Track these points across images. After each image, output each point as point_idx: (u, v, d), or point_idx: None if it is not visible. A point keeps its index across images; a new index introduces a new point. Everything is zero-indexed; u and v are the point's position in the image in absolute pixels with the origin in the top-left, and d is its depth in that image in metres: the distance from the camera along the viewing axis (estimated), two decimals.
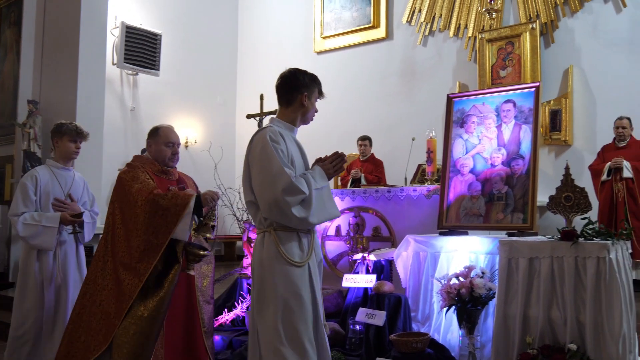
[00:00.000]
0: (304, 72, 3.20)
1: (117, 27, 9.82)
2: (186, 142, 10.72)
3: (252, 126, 6.54)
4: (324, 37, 10.65)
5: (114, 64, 9.81)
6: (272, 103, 6.93)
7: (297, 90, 3.13)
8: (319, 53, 10.75)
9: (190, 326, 3.82)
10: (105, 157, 8.54)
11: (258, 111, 6.62)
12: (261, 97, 6.48)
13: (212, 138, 10.10)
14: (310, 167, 3.18)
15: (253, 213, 3.06)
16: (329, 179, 3.12)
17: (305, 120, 3.23)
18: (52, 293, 4.20)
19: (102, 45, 8.66)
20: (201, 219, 3.70)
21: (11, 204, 4.30)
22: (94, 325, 3.46)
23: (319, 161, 3.16)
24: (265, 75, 11.30)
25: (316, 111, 3.24)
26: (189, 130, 10.86)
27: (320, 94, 3.24)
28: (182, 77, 10.88)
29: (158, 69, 10.29)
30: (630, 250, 3.87)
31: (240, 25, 12.10)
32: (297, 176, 2.92)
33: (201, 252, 3.57)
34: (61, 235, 4.24)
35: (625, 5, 7.70)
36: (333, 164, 3.13)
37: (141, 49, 10.02)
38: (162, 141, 3.88)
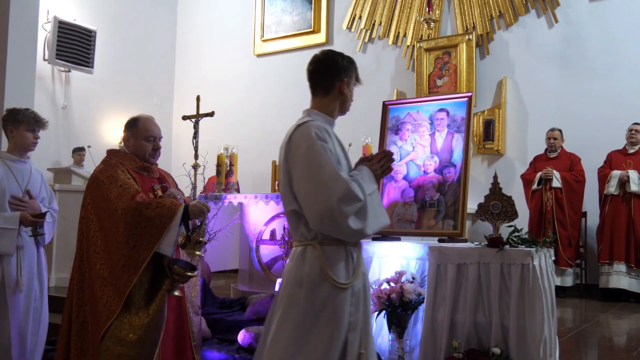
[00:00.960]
0: (342, 55, 2.72)
1: (49, 22, 9.48)
2: (121, 143, 10.43)
3: (190, 128, 6.44)
4: (264, 40, 10.61)
5: (45, 60, 9.46)
6: (209, 105, 6.88)
7: (337, 76, 2.66)
8: (258, 56, 10.71)
9: (181, 341, 3.46)
10: (34, 156, 8.18)
11: (195, 113, 6.51)
12: (197, 98, 6.37)
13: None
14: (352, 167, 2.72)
15: (294, 223, 2.55)
16: (377, 181, 2.65)
17: (343, 110, 2.77)
18: (20, 305, 3.69)
19: (32, 40, 8.28)
20: (188, 233, 3.30)
21: None
22: (86, 344, 3.14)
23: (364, 160, 2.70)
24: (204, 76, 11.24)
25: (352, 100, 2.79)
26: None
27: (357, 80, 2.77)
28: (118, 75, 10.61)
29: (92, 67, 9.99)
30: (554, 258, 4.01)
31: (179, 25, 11.92)
32: (349, 180, 2.45)
33: (187, 273, 3.17)
34: (21, 237, 3.75)
35: (557, 21, 8.01)
36: (380, 164, 2.66)
37: (74, 46, 9.70)
38: (142, 135, 3.43)
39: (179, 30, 11.91)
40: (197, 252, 3.33)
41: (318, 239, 2.47)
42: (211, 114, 6.17)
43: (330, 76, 2.66)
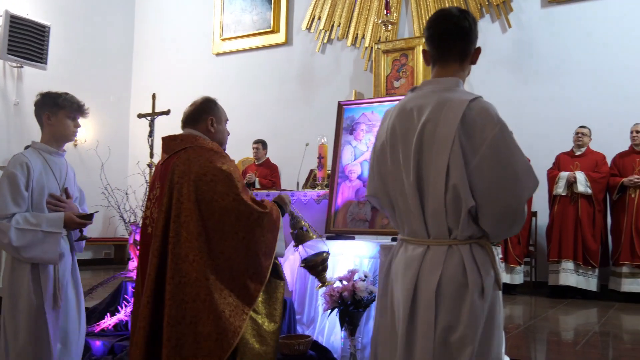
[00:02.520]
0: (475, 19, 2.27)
1: (1, 16, 9.24)
2: (75, 141, 10.25)
3: (146, 126, 6.38)
4: (223, 39, 10.58)
5: None
6: (166, 103, 6.83)
7: (475, 42, 2.24)
8: (217, 55, 10.68)
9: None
10: None
11: (151, 111, 6.47)
12: (153, 96, 6.34)
13: (103, 137, 9.73)
14: None
15: (451, 214, 2.04)
16: None
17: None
18: (58, 321, 3.18)
19: None
20: (296, 226, 3.19)
21: None
22: None
23: None
24: (161, 74, 11.12)
25: None
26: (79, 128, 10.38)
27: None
28: (73, 72, 10.39)
29: (46, 63, 9.77)
30: (501, 256, 4.12)
31: (136, 22, 11.78)
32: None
33: (325, 257, 3.19)
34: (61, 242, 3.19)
35: (510, 26, 8.23)
36: None
37: (27, 41, 9.46)
38: (224, 117, 3.08)
39: (136, 27, 11.77)
40: (313, 236, 3.25)
41: (486, 236, 2.10)
42: (167, 112, 6.14)
43: (471, 40, 2.22)
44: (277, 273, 2.97)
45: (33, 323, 3.07)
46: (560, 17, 7.99)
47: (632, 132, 7.02)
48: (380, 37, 9.02)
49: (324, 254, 3.25)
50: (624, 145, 7.16)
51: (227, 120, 3.11)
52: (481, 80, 8.34)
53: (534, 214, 7.60)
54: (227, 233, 2.73)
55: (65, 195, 3.29)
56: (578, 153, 7.33)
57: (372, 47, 9.11)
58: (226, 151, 2.97)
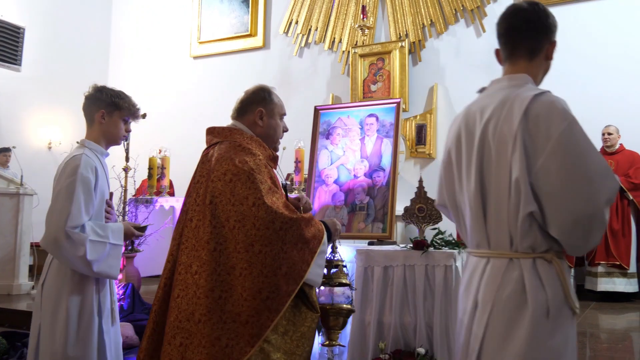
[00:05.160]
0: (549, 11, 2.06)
1: None
2: (49, 143, 10.12)
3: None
4: (200, 42, 10.52)
5: None
6: (142, 106, 6.74)
7: (547, 35, 2.04)
8: (195, 58, 10.61)
9: None
10: None
11: None
12: None
13: (78, 140, 9.60)
14: None
15: (515, 220, 1.84)
16: None
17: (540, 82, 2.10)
18: (117, 337, 2.94)
19: None
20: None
21: (58, 207, 2.71)
22: None
23: None
24: (138, 77, 11.03)
25: None
26: (54, 130, 10.27)
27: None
28: (48, 74, 10.27)
29: (20, 64, 9.66)
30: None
31: (113, 25, 11.67)
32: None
33: (350, 306, 2.65)
34: None
35: (484, 31, 8.32)
36: None
37: (1, 42, 9.35)
38: (278, 111, 2.66)
39: (113, 29, 11.66)
40: (346, 281, 2.77)
41: (553, 249, 1.87)
42: (143, 116, 6.06)
43: (541, 34, 2.03)
44: (311, 303, 2.45)
45: (96, 342, 2.78)
46: None
47: (603, 134, 7.15)
48: (357, 41, 9.05)
49: (350, 306, 2.75)
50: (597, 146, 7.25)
51: (284, 114, 2.69)
52: (457, 85, 8.43)
53: None
54: (242, 244, 2.28)
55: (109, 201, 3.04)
56: None
57: (349, 51, 9.13)
58: (234, 152, 2.48)
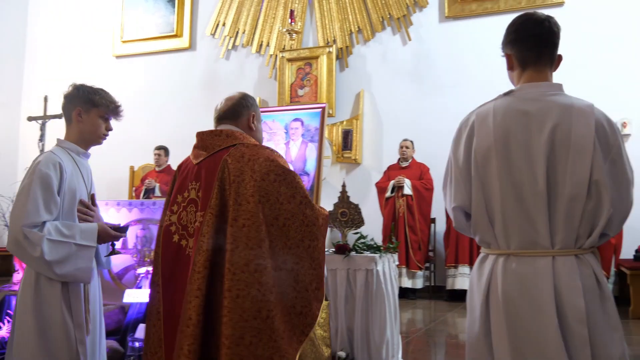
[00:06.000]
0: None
1: None
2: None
3: (37, 130, 6.05)
4: (124, 41, 10.24)
5: None
6: (59, 106, 6.48)
7: (557, 49, 2.17)
8: (118, 57, 10.31)
9: None
10: None
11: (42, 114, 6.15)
12: (45, 98, 6.02)
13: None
14: None
15: (588, 221, 1.97)
16: None
17: None
18: (93, 345, 2.77)
19: None
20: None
21: (17, 206, 2.61)
22: None
23: None
24: (56, 75, 10.58)
25: None
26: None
27: None
28: None
29: None
30: (397, 263, 4.23)
31: (29, 21, 11.16)
32: None
33: None
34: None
35: (410, 39, 8.50)
36: None
37: None
38: (259, 115, 2.75)
39: (29, 25, 11.14)
40: None
41: (594, 244, 2.01)
42: (60, 116, 5.82)
43: (557, 47, 2.15)
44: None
45: (69, 352, 2.63)
46: (456, 32, 8.34)
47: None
48: (285, 45, 9.06)
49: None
50: None
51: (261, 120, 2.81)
52: (383, 91, 8.57)
53: (433, 220, 7.87)
54: (292, 240, 2.41)
55: (92, 202, 2.89)
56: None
57: (277, 55, 9.12)
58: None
